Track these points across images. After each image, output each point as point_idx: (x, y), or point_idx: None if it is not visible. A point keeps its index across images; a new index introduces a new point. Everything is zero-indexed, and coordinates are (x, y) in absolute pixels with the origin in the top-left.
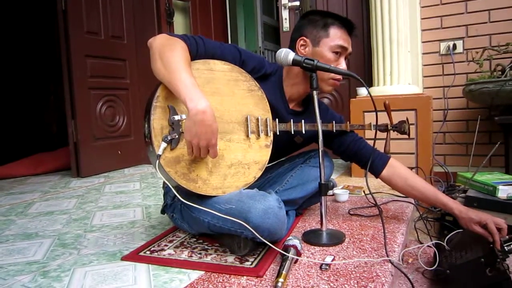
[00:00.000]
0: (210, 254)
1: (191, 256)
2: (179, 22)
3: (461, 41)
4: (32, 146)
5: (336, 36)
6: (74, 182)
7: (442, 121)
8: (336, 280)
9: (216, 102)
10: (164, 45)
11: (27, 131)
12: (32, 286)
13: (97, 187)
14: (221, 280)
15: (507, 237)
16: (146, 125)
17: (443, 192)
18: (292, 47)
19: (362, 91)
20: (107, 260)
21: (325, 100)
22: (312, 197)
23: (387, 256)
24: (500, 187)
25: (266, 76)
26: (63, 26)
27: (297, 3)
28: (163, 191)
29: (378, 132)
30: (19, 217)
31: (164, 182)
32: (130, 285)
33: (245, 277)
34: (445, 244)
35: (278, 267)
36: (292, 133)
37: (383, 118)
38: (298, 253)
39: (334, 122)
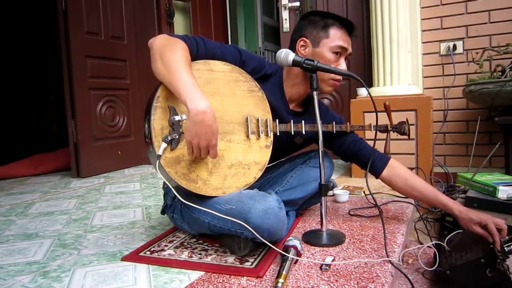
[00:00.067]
0: (210, 255)
1: (191, 257)
2: (179, 23)
3: (461, 42)
4: (32, 146)
5: (336, 37)
6: (74, 183)
7: (442, 121)
8: (336, 280)
9: (216, 102)
10: (164, 46)
11: (27, 131)
12: (32, 286)
13: (97, 188)
14: (221, 281)
15: (507, 237)
16: (146, 126)
17: (443, 192)
18: (292, 47)
19: (362, 92)
20: (107, 260)
21: (325, 101)
22: (312, 197)
23: (387, 257)
24: (500, 187)
25: (266, 76)
26: (63, 26)
27: (297, 3)
28: (163, 191)
29: (378, 132)
30: (19, 217)
31: (164, 183)
32: (130, 285)
33: (245, 277)
34: (445, 244)
35: (278, 268)
36: (292, 133)
37: (383, 119)
38: (298, 254)
39: (334, 122)
